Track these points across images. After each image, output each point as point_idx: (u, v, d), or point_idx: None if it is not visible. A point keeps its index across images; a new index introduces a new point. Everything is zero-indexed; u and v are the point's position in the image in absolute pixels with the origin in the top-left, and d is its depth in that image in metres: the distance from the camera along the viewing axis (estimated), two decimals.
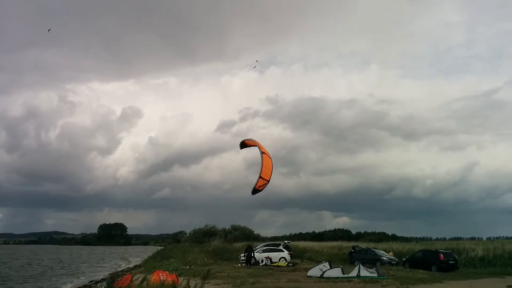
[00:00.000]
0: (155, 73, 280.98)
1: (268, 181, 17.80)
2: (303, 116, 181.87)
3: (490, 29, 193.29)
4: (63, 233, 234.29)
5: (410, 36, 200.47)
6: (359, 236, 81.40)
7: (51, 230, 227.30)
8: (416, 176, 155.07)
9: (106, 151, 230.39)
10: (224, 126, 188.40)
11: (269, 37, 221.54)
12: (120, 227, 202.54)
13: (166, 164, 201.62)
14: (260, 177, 17.40)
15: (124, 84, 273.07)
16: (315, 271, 24.42)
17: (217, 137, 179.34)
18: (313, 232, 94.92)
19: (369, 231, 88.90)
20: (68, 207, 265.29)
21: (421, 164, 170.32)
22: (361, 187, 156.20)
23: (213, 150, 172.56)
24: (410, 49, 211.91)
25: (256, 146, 19.06)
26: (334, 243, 48.82)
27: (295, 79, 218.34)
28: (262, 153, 18.08)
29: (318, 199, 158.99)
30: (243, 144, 20.20)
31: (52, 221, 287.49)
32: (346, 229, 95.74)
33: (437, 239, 74.59)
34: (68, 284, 29.10)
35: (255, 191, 17.55)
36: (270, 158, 18.43)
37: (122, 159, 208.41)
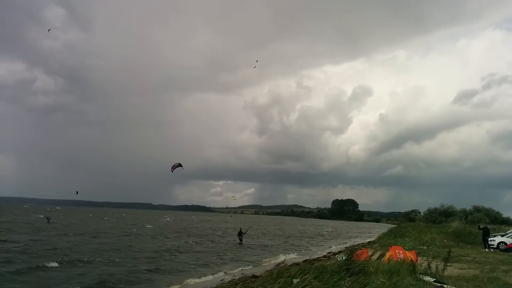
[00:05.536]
0: (383, 48, 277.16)
1: None
2: None
3: None
4: (301, 206, 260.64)
5: None
6: None
7: (292, 204, 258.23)
8: None
9: (339, 131, 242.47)
10: (463, 96, 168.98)
11: None
12: (352, 203, 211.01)
13: (397, 141, 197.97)
14: None
15: (354, 63, 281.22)
16: None
17: (455, 109, 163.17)
18: None
19: None
20: (306, 183, 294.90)
21: None
22: None
23: (450, 124, 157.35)
24: None
25: None
26: None
27: None
28: None
29: None
30: None
31: (293, 195, 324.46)
32: None
33: None
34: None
35: None
36: None
37: (353, 137, 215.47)
